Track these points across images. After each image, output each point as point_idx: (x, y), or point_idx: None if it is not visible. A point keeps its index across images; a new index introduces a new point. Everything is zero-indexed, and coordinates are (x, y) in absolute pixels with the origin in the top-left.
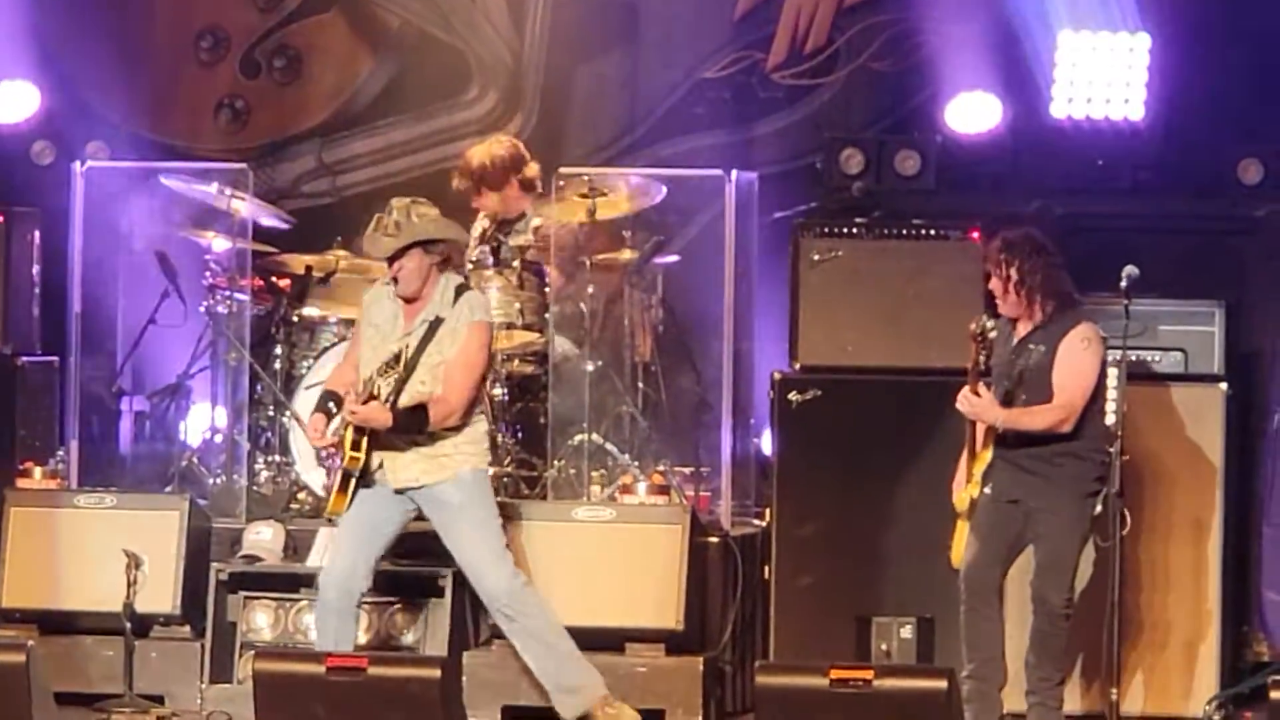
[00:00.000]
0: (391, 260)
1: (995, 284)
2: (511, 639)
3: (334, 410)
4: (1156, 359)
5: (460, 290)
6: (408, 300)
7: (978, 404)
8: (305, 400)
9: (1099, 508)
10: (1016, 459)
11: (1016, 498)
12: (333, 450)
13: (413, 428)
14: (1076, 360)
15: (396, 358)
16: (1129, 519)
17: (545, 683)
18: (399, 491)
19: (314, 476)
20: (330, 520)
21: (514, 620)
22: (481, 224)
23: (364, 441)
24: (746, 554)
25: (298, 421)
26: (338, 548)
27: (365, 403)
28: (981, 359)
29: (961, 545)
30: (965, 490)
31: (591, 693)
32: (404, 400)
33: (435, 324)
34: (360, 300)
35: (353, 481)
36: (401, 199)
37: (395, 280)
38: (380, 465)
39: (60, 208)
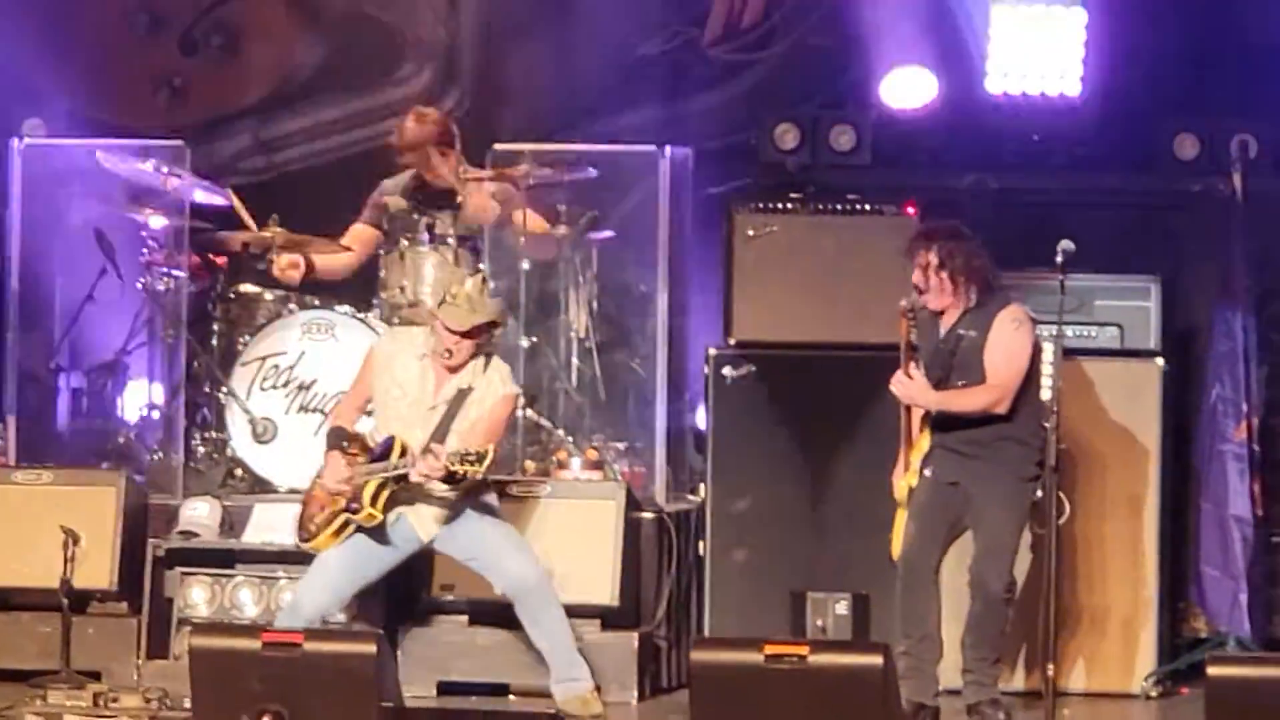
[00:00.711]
0: (461, 334)
1: (917, 275)
2: (530, 627)
3: (347, 448)
4: (1092, 334)
5: (487, 358)
6: (449, 370)
7: (910, 386)
8: (241, 377)
9: (1039, 492)
10: (956, 444)
11: (956, 480)
12: (337, 494)
13: (450, 482)
14: (1008, 341)
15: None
16: (1068, 505)
17: (554, 669)
18: (429, 543)
19: (250, 453)
20: (305, 546)
21: (538, 607)
22: (402, 199)
23: (383, 498)
24: (681, 529)
25: (234, 399)
26: (325, 576)
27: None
28: (912, 336)
29: (900, 535)
30: (904, 479)
31: (587, 682)
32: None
33: (465, 393)
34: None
35: (350, 528)
36: (474, 277)
37: (449, 353)
38: (399, 517)
39: None
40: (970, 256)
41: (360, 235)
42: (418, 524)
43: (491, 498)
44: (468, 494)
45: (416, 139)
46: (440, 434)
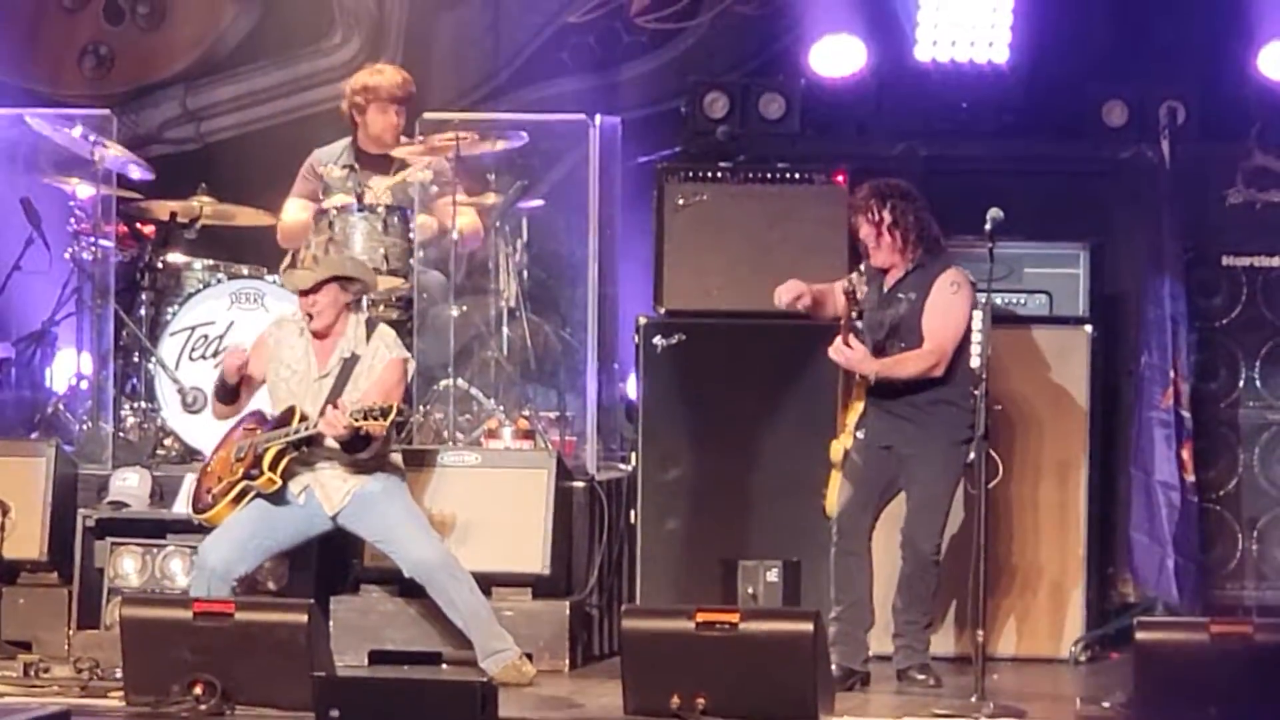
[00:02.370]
0: (307, 294)
1: (867, 230)
2: (445, 607)
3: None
4: (1021, 302)
5: (371, 325)
6: (320, 336)
7: (851, 355)
8: (170, 347)
9: (971, 455)
10: (890, 406)
11: (890, 444)
12: (236, 463)
13: (356, 447)
14: (946, 304)
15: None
16: (1000, 466)
17: (477, 645)
18: (333, 517)
19: (180, 423)
20: (201, 517)
21: (448, 586)
22: (338, 169)
23: (283, 464)
24: (612, 498)
25: (163, 368)
26: (229, 531)
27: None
28: (854, 314)
29: (835, 494)
30: (839, 440)
31: (513, 650)
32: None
33: (351, 361)
34: (224, 250)
35: (250, 495)
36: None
37: (310, 316)
38: (305, 489)
39: None
40: (920, 217)
41: (298, 210)
42: (324, 498)
43: (397, 473)
44: (373, 463)
45: (385, 83)
46: (334, 398)
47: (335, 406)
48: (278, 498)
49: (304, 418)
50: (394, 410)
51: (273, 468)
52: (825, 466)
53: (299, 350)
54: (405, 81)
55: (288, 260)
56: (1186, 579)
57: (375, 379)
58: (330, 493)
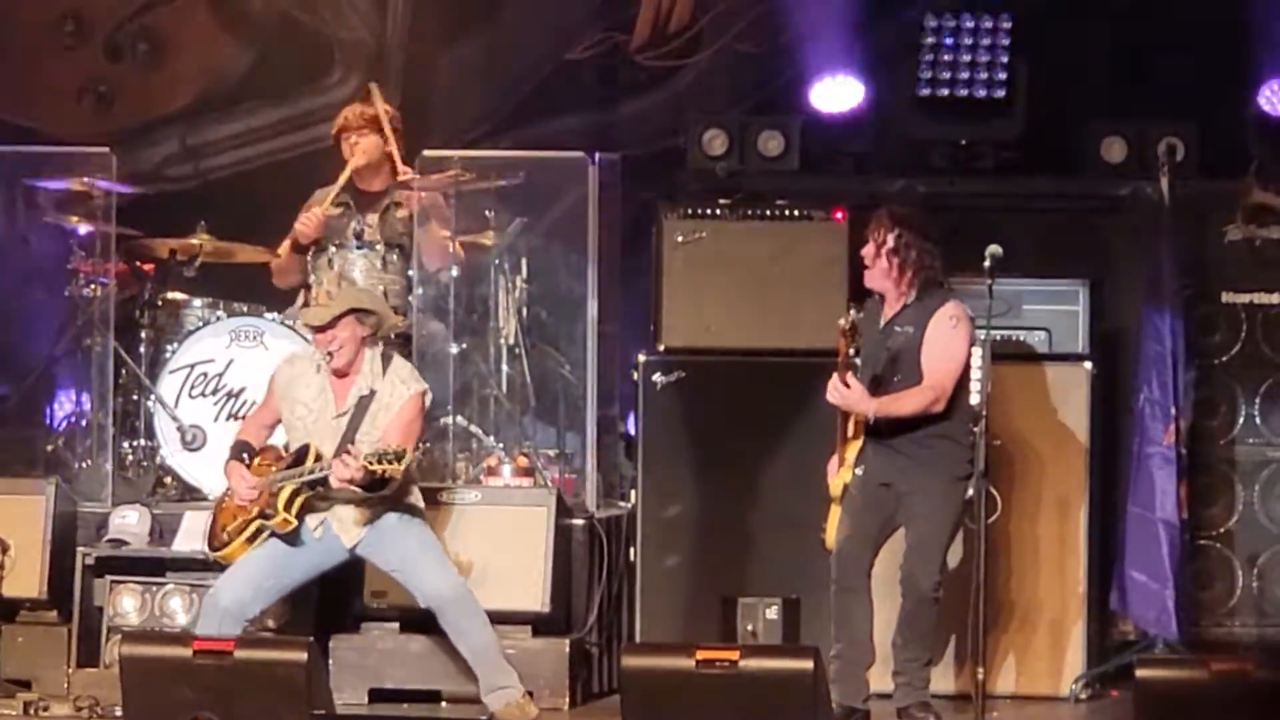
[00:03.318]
0: (324, 330)
1: (868, 248)
2: (455, 639)
3: (252, 460)
4: (1021, 338)
5: (386, 359)
6: (340, 375)
7: (848, 395)
8: (169, 384)
9: (970, 491)
10: (889, 442)
11: (889, 480)
12: (249, 502)
13: (374, 488)
14: (945, 339)
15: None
16: (999, 503)
17: (481, 679)
18: (351, 549)
19: (179, 460)
20: (216, 555)
21: (460, 619)
22: (334, 206)
23: (298, 504)
24: (612, 535)
25: (162, 405)
26: (244, 569)
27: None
28: (851, 352)
29: (834, 528)
30: (838, 476)
31: (517, 688)
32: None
33: (368, 398)
34: (224, 288)
35: (265, 534)
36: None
37: (330, 355)
38: (322, 523)
39: None
40: (924, 253)
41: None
42: (341, 530)
43: (415, 501)
44: (391, 499)
45: (356, 109)
46: (348, 442)
47: (349, 452)
48: (293, 537)
49: (319, 457)
50: (408, 453)
51: (287, 508)
52: (825, 503)
53: (314, 388)
54: (362, 112)
55: (300, 300)
56: (1185, 617)
57: (394, 416)
58: (347, 525)
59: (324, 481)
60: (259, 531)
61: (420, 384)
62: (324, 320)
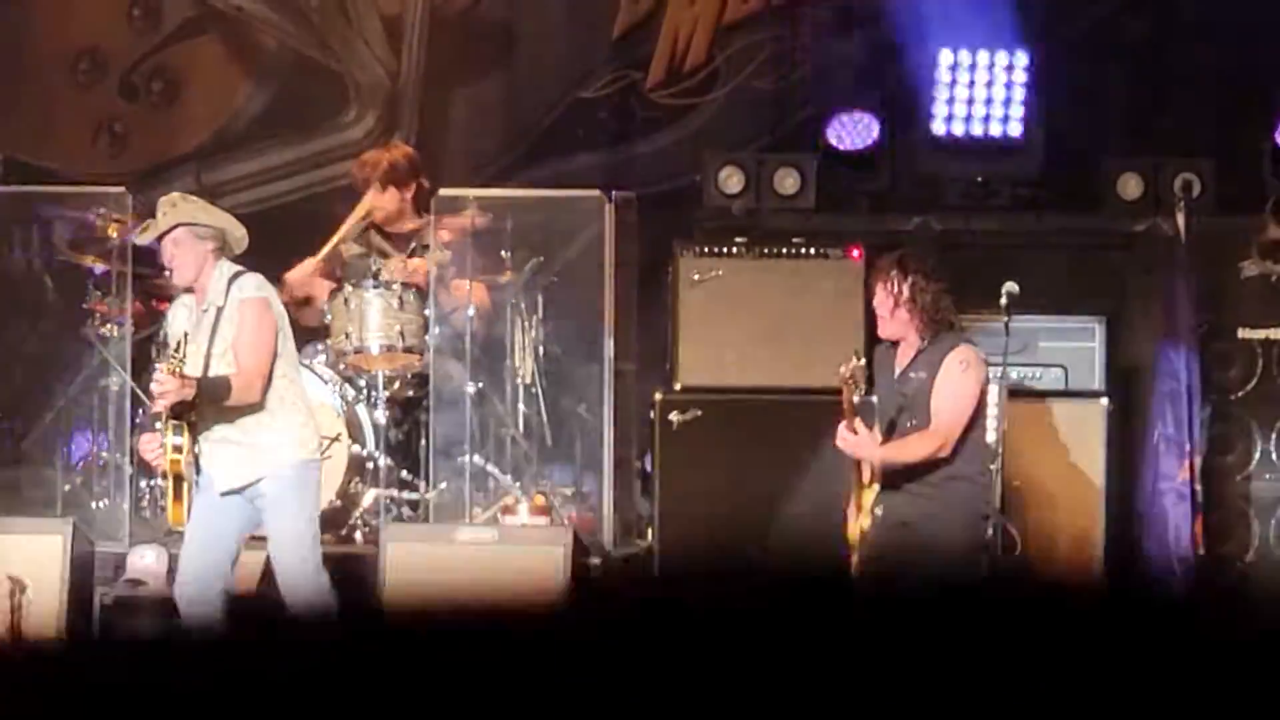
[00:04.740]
0: (161, 244)
1: (881, 299)
2: None
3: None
4: (1037, 375)
5: (236, 276)
6: (187, 290)
7: (856, 442)
8: None
9: (990, 531)
10: (907, 485)
11: (908, 521)
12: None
13: (217, 396)
14: (954, 384)
15: (178, 346)
16: (1018, 540)
17: None
18: (224, 494)
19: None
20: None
21: None
22: (355, 246)
23: (184, 440)
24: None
25: None
26: (184, 560)
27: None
28: (856, 398)
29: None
30: (856, 522)
31: None
32: None
33: (217, 314)
34: None
35: (184, 485)
36: (169, 195)
37: (170, 271)
38: (205, 476)
39: None
40: (937, 298)
41: (306, 265)
42: (217, 476)
43: (303, 471)
44: (252, 423)
45: (371, 159)
46: (205, 357)
47: (154, 379)
48: (194, 474)
49: None
50: (181, 344)
51: (174, 449)
52: (844, 541)
53: (192, 322)
54: (392, 165)
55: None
56: None
57: (238, 325)
58: (220, 469)
59: (175, 413)
60: (176, 482)
61: (258, 291)
62: (152, 236)
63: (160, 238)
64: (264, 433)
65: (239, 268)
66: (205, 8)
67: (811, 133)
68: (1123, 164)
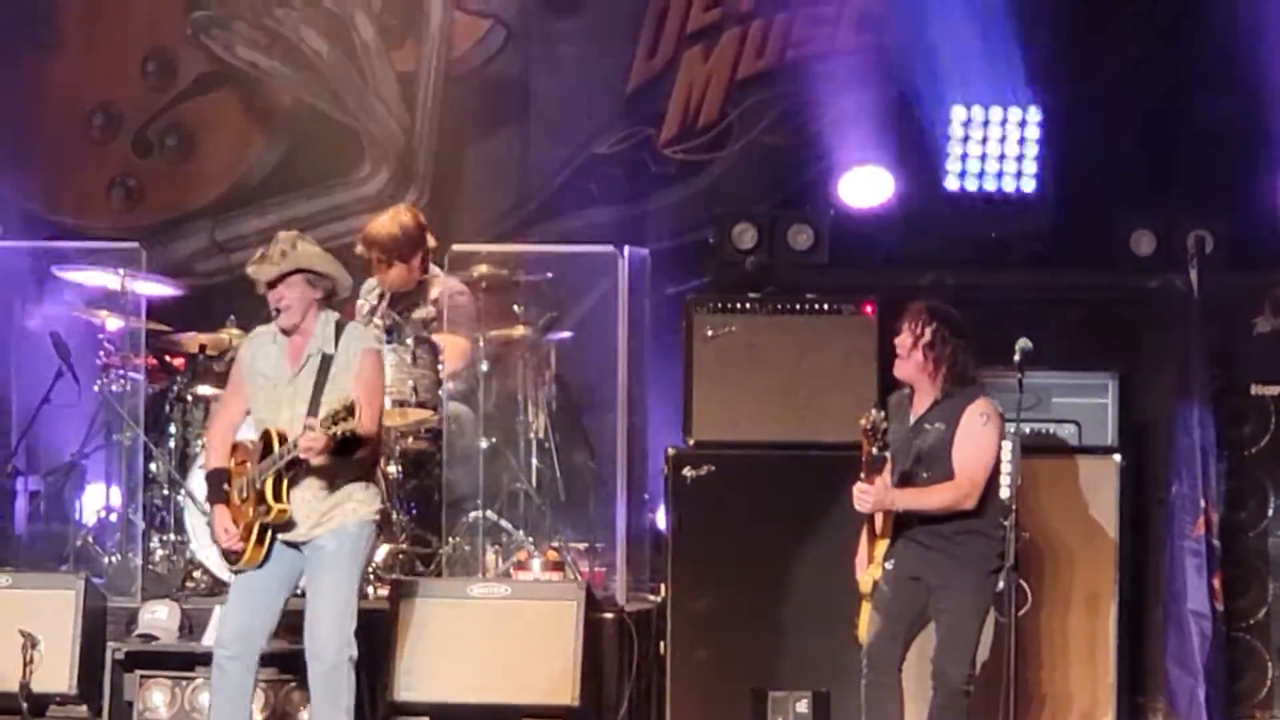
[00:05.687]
0: (274, 287)
1: (903, 339)
2: (312, 695)
3: (222, 494)
4: (1050, 431)
5: (340, 325)
6: (287, 333)
7: (873, 494)
8: (200, 480)
9: (1001, 584)
10: (918, 537)
11: (919, 575)
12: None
13: (347, 450)
14: (975, 436)
15: (350, 409)
16: (1030, 595)
17: None
18: (292, 545)
19: (209, 555)
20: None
21: (324, 681)
22: (372, 296)
23: (284, 490)
24: (642, 629)
25: (192, 500)
26: (238, 606)
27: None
28: (874, 450)
29: (866, 624)
30: (868, 572)
31: None
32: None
33: (326, 361)
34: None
35: (269, 533)
36: (289, 232)
37: (278, 311)
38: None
39: None
40: (957, 350)
41: None
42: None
43: (364, 531)
44: (354, 481)
45: (376, 237)
46: (314, 406)
47: (307, 426)
48: (290, 525)
49: (283, 439)
50: (357, 405)
51: (276, 498)
52: (855, 596)
53: (272, 358)
54: (393, 241)
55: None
56: (1216, 708)
57: (355, 375)
58: (303, 516)
59: (297, 460)
60: (263, 531)
61: (375, 343)
62: (270, 277)
63: (277, 281)
64: (347, 488)
65: (337, 315)
66: (220, 64)
67: (825, 188)
68: (1136, 220)
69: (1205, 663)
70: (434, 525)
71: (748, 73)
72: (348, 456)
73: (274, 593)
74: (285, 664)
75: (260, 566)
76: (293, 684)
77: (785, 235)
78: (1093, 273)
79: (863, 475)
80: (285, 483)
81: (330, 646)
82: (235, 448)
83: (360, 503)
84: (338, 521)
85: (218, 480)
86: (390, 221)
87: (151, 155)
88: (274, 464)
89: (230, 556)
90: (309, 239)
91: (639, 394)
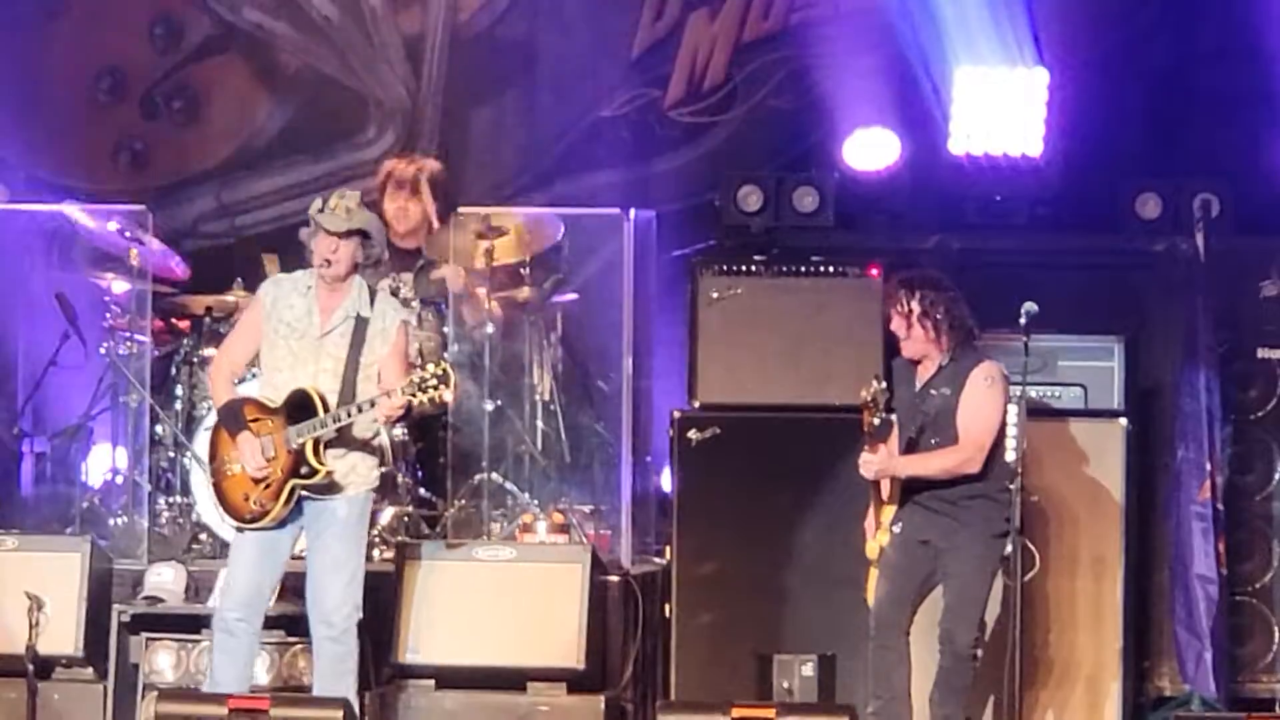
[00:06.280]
0: (335, 236)
1: (897, 322)
2: (317, 658)
3: (244, 423)
4: (1056, 395)
5: (374, 292)
6: (329, 290)
7: (878, 462)
8: (205, 441)
9: (1008, 547)
10: (926, 501)
11: (927, 539)
12: (265, 469)
13: (402, 419)
14: (980, 400)
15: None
16: (1036, 558)
17: None
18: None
19: (215, 517)
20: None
21: (335, 645)
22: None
23: (323, 453)
24: (647, 592)
25: (198, 462)
26: (249, 565)
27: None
28: (876, 421)
29: (873, 590)
30: (876, 539)
31: None
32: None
33: (361, 324)
34: None
35: (298, 492)
36: (353, 190)
37: (327, 262)
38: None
39: None
40: (951, 307)
41: None
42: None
43: (368, 501)
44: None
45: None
46: (352, 366)
47: (387, 394)
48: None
49: (324, 402)
50: (450, 372)
51: (318, 459)
52: (861, 559)
53: (299, 309)
54: (419, 168)
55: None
56: (1221, 672)
57: (392, 344)
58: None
59: (347, 427)
60: (293, 491)
61: (409, 313)
62: (341, 229)
63: (345, 234)
64: (356, 454)
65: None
66: (226, 26)
67: (830, 151)
68: (1142, 183)
69: (1211, 627)
70: (439, 488)
71: (753, 35)
72: (402, 422)
73: (282, 552)
74: (291, 627)
75: (277, 527)
76: (299, 647)
77: (790, 198)
78: (1098, 236)
79: (866, 445)
80: (323, 446)
81: (340, 613)
82: (248, 404)
83: (369, 468)
84: (353, 488)
85: (236, 411)
86: (432, 160)
87: (158, 118)
88: (323, 425)
89: (248, 517)
90: (365, 208)
91: (644, 356)
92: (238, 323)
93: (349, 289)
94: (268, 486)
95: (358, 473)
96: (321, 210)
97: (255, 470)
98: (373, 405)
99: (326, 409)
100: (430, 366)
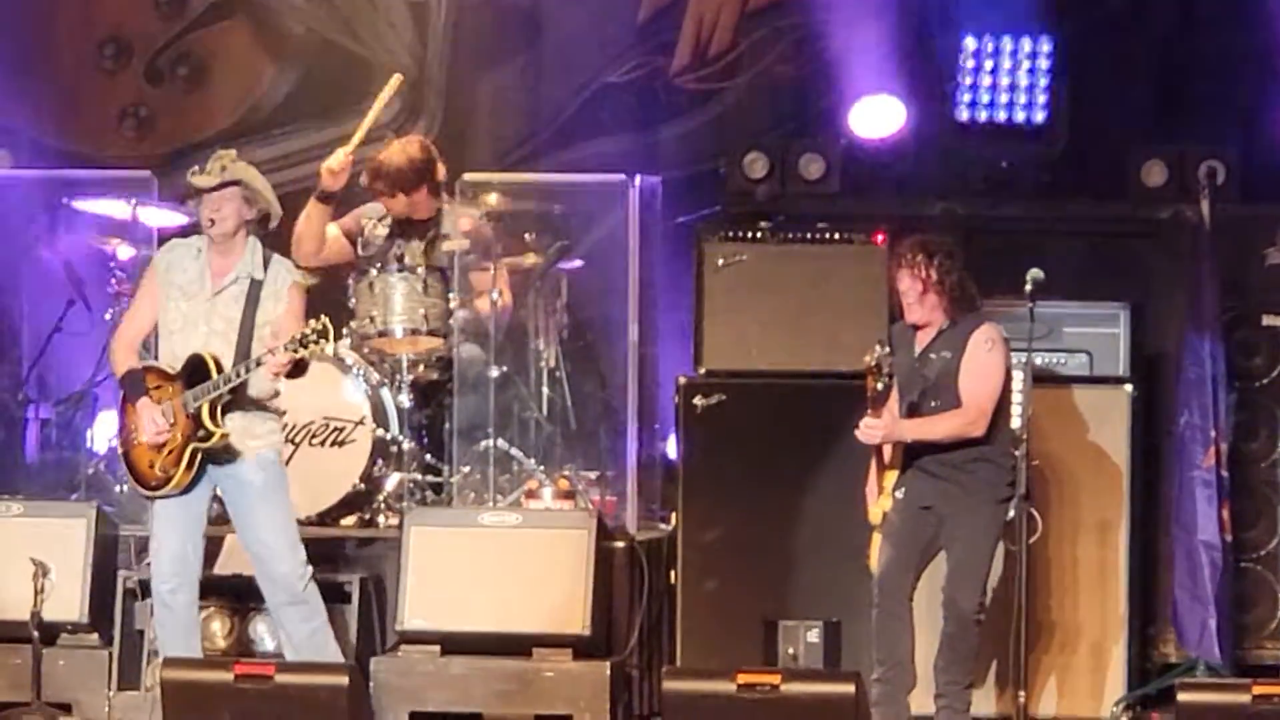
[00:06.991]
0: (210, 193)
1: (909, 284)
2: (284, 626)
3: (144, 390)
4: (1061, 361)
5: (268, 254)
6: (218, 251)
7: (881, 427)
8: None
9: (1011, 512)
10: (929, 466)
11: (929, 504)
12: (164, 435)
13: (294, 375)
14: (981, 363)
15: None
16: (1040, 523)
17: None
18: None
19: None
20: (160, 492)
21: (299, 607)
22: (383, 225)
23: (219, 414)
24: (653, 558)
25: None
26: (168, 533)
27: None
28: (879, 386)
29: (876, 556)
30: (878, 504)
31: None
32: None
33: (255, 286)
34: None
35: (199, 456)
36: (229, 149)
37: (211, 222)
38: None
39: None
40: (961, 278)
41: (327, 226)
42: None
43: (279, 461)
44: (270, 411)
45: (383, 169)
46: (246, 327)
47: (270, 352)
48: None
49: (218, 365)
50: (328, 326)
51: (214, 421)
52: (866, 526)
53: (192, 273)
54: (398, 172)
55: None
56: (1226, 639)
57: (286, 305)
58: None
59: (239, 387)
60: (194, 454)
61: (302, 278)
62: (209, 185)
63: (218, 187)
64: (259, 415)
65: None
66: None
67: (836, 118)
68: (1147, 151)
69: (1216, 593)
70: (444, 454)
71: (759, 2)
72: (296, 378)
73: (198, 515)
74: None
75: (184, 493)
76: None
77: (796, 164)
78: (1104, 203)
79: (869, 410)
80: (220, 408)
81: (293, 575)
82: (148, 372)
83: (269, 430)
84: (256, 450)
85: (137, 379)
86: (399, 153)
87: (163, 85)
88: (215, 388)
89: (154, 484)
90: (244, 163)
91: (650, 323)
92: (136, 293)
93: (241, 251)
94: (170, 452)
95: (254, 433)
96: (196, 172)
97: (153, 436)
98: (259, 364)
99: (220, 371)
100: (312, 321)
